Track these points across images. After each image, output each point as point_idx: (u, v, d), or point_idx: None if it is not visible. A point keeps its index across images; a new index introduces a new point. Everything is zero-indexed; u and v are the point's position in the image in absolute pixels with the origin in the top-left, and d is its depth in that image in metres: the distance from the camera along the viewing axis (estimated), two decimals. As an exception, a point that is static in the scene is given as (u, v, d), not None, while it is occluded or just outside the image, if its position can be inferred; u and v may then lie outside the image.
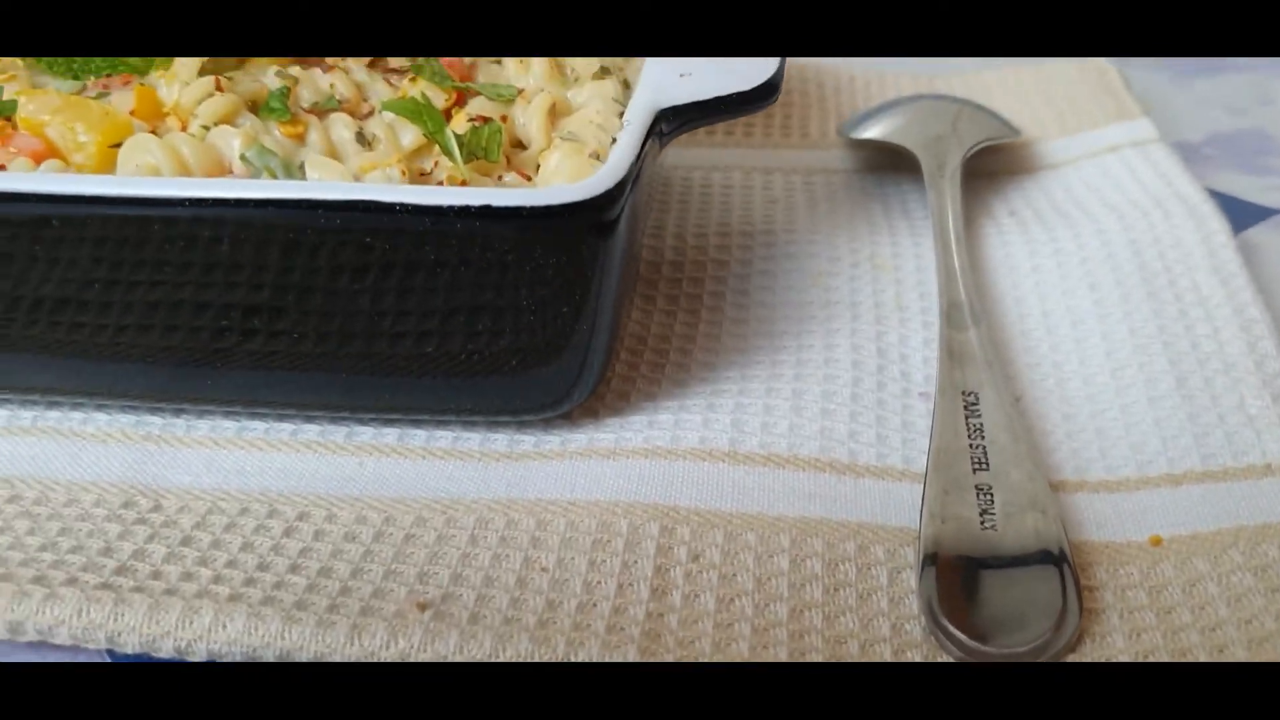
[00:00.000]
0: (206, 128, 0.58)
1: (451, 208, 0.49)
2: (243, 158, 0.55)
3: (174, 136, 0.56)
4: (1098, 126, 0.85)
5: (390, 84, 0.65)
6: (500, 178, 0.60)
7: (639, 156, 0.53)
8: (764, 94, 0.59)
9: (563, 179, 0.57)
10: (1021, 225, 0.74)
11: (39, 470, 0.56)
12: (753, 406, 0.59)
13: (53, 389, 0.59)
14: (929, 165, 0.75)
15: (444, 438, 0.58)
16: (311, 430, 0.59)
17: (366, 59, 0.67)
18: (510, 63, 0.67)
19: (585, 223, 0.50)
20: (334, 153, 0.60)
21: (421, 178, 0.58)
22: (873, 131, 0.81)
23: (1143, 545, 0.51)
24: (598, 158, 0.60)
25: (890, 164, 0.82)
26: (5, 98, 0.59)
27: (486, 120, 0.61)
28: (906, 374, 0.63)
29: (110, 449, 0.57)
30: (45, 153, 0.56)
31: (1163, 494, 0.54)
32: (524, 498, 0.54)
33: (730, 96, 0.59)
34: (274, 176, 0.54)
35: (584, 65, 0.67)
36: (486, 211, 0.49)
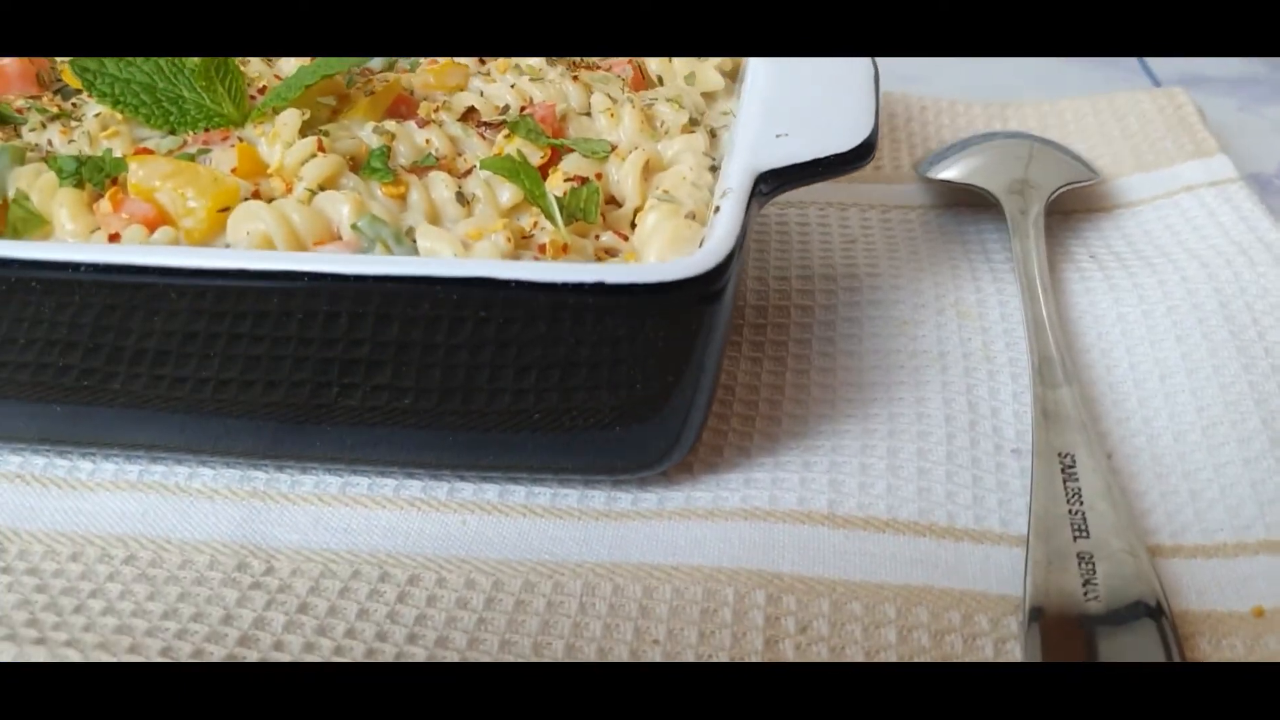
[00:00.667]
0: (312, 190, 0.59)
1: (565, 284, 0.50)
2: (354, 227, 0.56)
3: (283, 203, 0.56)
4: (1174, 163, 0.85)
5: (484, 138, 0.66)
6: (597, 236, 0.61)
7: (744, 228, 0.53)
8: (861, 154, 0.60)
9: (661, 241, 0.58)
10: (1103, 269, 0.74)
11: (150, 528, 0.57)
12: (848, 465, 0.60)
13: (158, 445, 0.60)
14: (1012, 212, 0.75)
15: (543, 494, 0.59)
16: (414, 486, 0.60)
17: (459, 113, 0.68)
18: (600, 114, 0.67)
19: (695, 295, 0.51)
20: (436, 213, 0.61)
21: (523, 240, 0.58)
22: (951, 172, 0.81)
23: (1245, 616, 0.52)
24: (694, 217, 0.60)
25: (967, 199, 0.82)
26: (114, 156, 0.61)
27: (583, 180, 0.62)
28: (998, 429, 0.63)
29: (218, 506, 0.58)
30: (156, 218, 0.57)
31: (1263, 562, 0.54)
32: (627, 561, 0.55)
33: (828, 158, 0.59)
34: (386, 246, 0.55)
35: (673, 117, 0.68)
36: (600, 288, 0.50)
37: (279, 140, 0.61)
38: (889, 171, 0.88)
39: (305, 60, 0.71)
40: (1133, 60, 1.13)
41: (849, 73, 0.68)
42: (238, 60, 0.68)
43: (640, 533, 0.57)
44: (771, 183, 0.58)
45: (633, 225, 0.63)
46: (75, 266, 0.51)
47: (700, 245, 0.57)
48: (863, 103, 0.63)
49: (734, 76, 0.78)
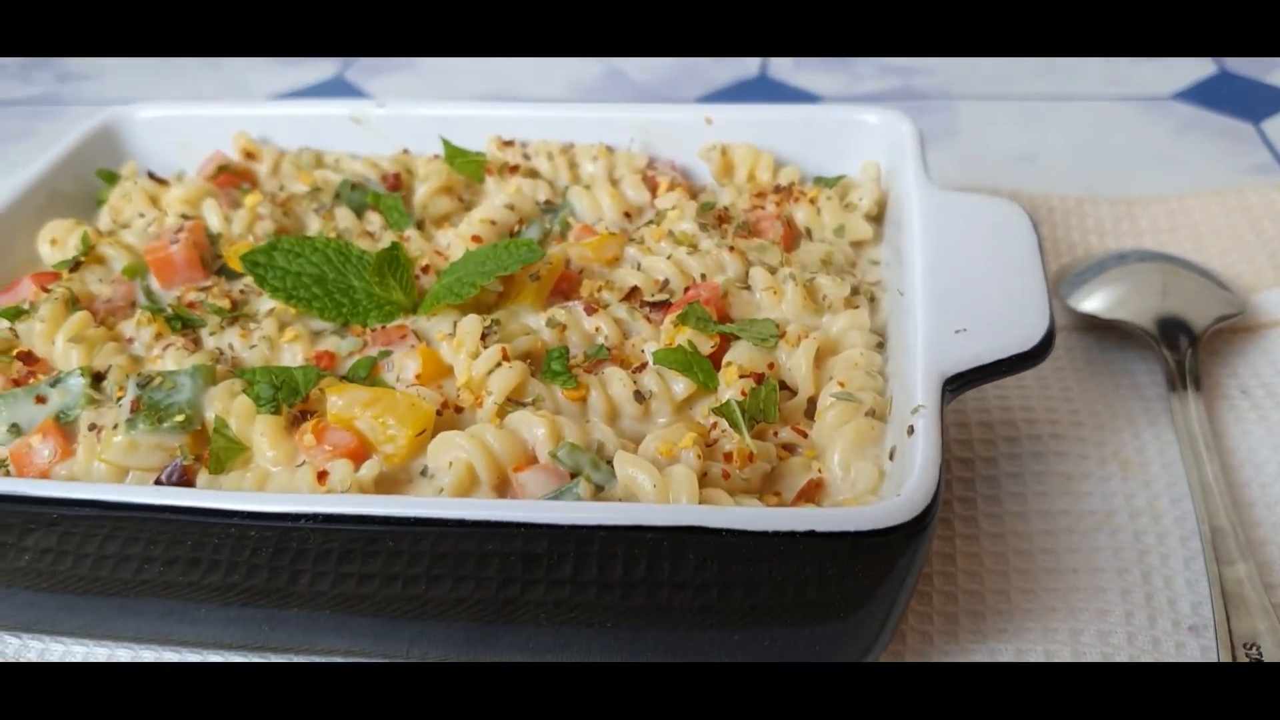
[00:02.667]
0: (501, 404, 0.60)
1: (777, 533, 0.51)
2: (552, 454, 0.57)
3: (480, 431, 0.58)
4: (1317, 273, 0.84)
5: (649, 320, 0.67)
6: (776, 433, 0.62)
7: (944, 455, 0.54)
8: (1041, 350, 0.60)
9: (845, 444, 0.59)
10: (1257, 409, 0.74)
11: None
12: (1033, 652, 0.61)
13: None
14: (1166, 359, 0.75)
15: (733, 689, 0.60)
16: (607, 687, 0.61)
17: (623, 293, 0.69)
18: (762, 290, 0.68)
19: (905, 535, 0.51)
20: (615, 409, 0.62)
21: (709, 448, 0.59)
22: (1095, 303, 0.81)
23: None
24: (873, 413, 0.61)
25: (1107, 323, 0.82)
26: (304, 367, 0.62)
27: (758, 378, 0.63)
28: (1173, 602, 0.63)
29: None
30: (357, 447, 0.58)
31: None
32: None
33: (1011, 358, 0.59)
34: (585, 476, 0.56)
35: (834, 291, 0.68)
36: (811, 536, 0.50)
37: (463, 350, 0.62)
38: (1022, 284, 0.88)
39: (467, 237, 0.72)
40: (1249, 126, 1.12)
41: (1007, 217, 0.69)
42: (402, 245, 0.69)
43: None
44: (956, 385, 0.59)
45: (806, 413, 0.64)
46: (305, 517, 0.52)
47: (889, 454, 0.58)
48: (1035, 283, 0.63)
49: (879, 219, 0.78)
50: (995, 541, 0.68)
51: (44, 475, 0.61)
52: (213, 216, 0.77)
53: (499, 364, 0.61)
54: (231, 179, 0.83)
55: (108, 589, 0.59)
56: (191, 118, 0.88)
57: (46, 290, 0.69)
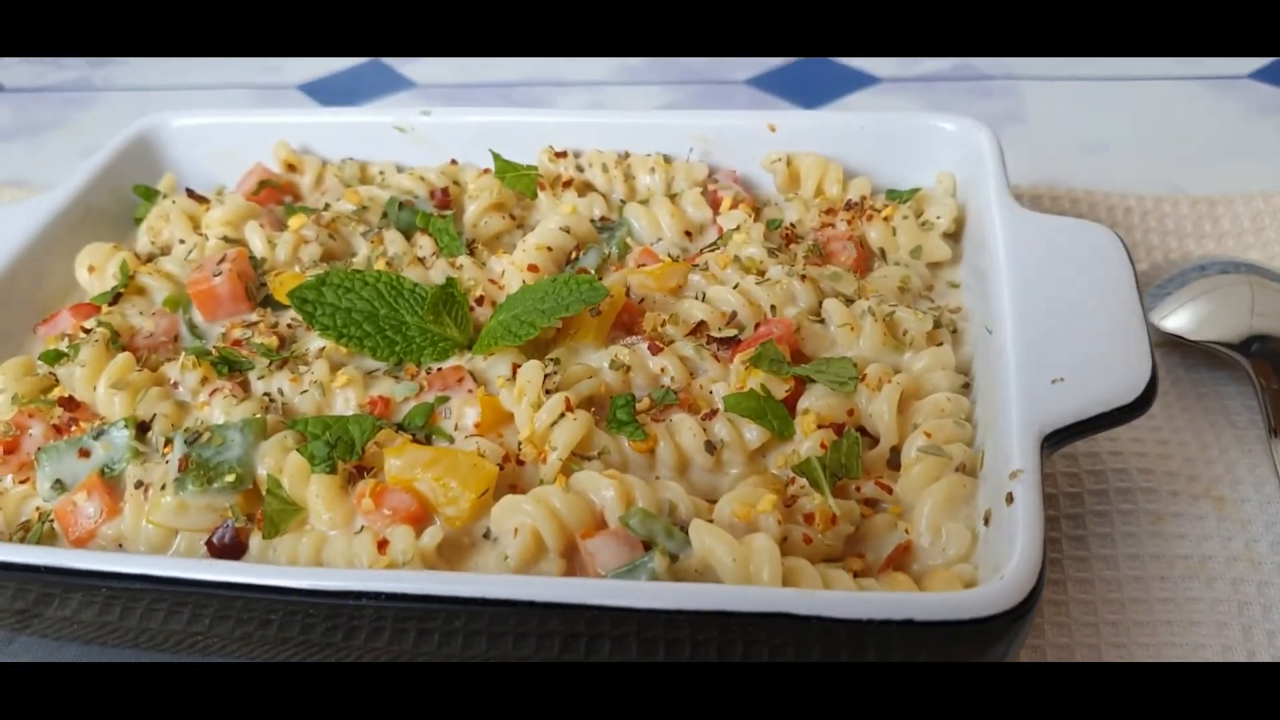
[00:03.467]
0: (566, 461, 0.57)
1: (872, 621, 0.47)
2: (623, 521, 0.54)
3: (545, 493, 0.55)
4: None
5: (717, 358, 0.63)
6: (858, 488, 0.58)
7: (1045, 532, 0.50)
8: (1144, 402, 0.56)
9: (934, 503, 0.56)
10: (1360, 437, 0.70)
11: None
12: (1129, 718, 0.58)
13: None
14: (1258, 384, 0.71)
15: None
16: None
17: (688, 327, 0.65)
18: (838, 326, 0.64)
19: (1007, 620, 0.48)
20: (684, 459, 0.59)
21: (787, 508, 0.56)
22: (1180, 321, 0.76)
23: None
24: (963, 468, 0.57)
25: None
26: (358, 418, 0.59)
27: (838, 429, 0.59)
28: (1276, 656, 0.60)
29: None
30: (417, 510, 0.55)
31: None
32: None
33: (1113, 411, 0.55)
34: (661, 549, 0.52)
35: (915, 325, 0.64)
36: (908, 625, 0.47)
37: (525, 399, 0.59)
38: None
39: (522, 266, 0.68)
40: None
41: (1100, 244, 0.65)
42: (457, 283, 0.66)
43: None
44: (1054, 441, 0.55)
45: (889, 463, 0.60)
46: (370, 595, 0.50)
47: (983, 517, 0.55)
48: (1134, 322, 0.60)
49: (956, 236, 0.74)
50: (1083, 589, 0.64)
51: (90, 535, 0.58)
52: (256, 240, 0.73)
53: (562, 414, 0.58)
54: (273, 194, 0.80)
55: (153, 645, 0.57)
56: (229, 125, 0.84)
57: (85, 330, 0.66)
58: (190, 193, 0.78)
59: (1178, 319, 0.77)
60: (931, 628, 0.47)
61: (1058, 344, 0.59)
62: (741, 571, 0.51)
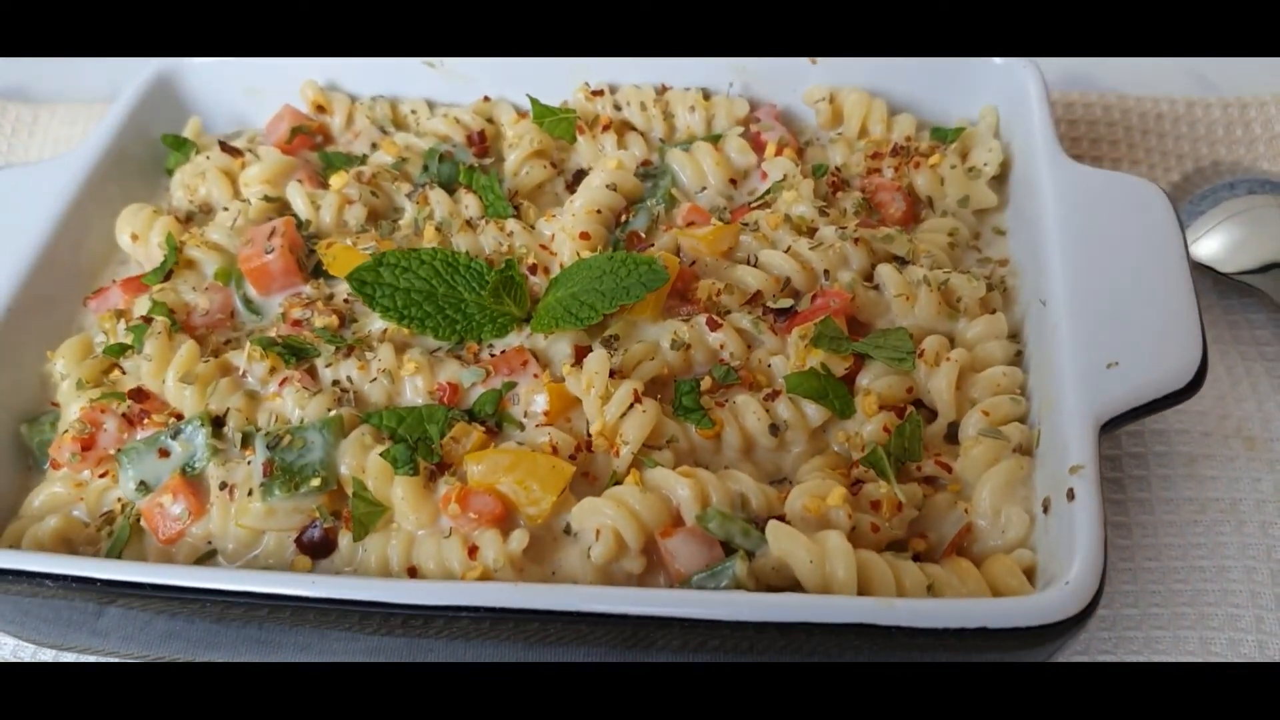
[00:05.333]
0: (637, 453, 0.59)
1: (948, 630, 0.51)
2: (700, 520, 0.56)
3: (623, 494, 0.57)
4: None
5: (774, 331, 0.64)
6: (919, 467, 0.60)
7: (1105, 531, 0.53)
8: (1194, 386, 0.58)
9: (994, 486, 0.58)
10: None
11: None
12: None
13: None
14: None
15: None
16: None
17: (744, 296, 0.66)
18: (894, 296, 0.65)
19: (1074, 622, 0.51)
20: (750, 441, 0.61)
21: (853, 494, 0.58)
22: (1209, 248, 0.77)
23: None
24: (1020, 448, 0.60)
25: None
26: (432, 408, 0.61)
27: (899, 412, 0.61)
28: (1305, 605, 0.64)
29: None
30: (501, 512, 0.57)
31: None
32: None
33: (1164, 397, 0.57)
34: (742, 553, 0.55)
35: (969, 291, 0.65)
36: (982, 632, 0.50)
37: (593, 389, 0.60)
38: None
39: (574, 234, 0.68)
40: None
41: (1150, 203, 0.65)
42: (517, 266, 0.66)
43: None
44: (1109, 427, 0.57)
45: (946, 437, 0.62)
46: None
47: (1042, 504, 0.57)
48: (1184, 296, 0.61)
49: (1001, 178, 0.74)
50: (1121, 533, 0.68)
51: (179, 535, 0.60)
52: (299, 202, 0.73)
53: (631, 406, 0.60)
54: (306, 140, 0.78)
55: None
56: (252, 63, 0.82)
57: (145, 320, 0.66)
58: (224, 145, 0.77)
59: (1207, 244, 0.78)
60: (1003, 633, 0.51)
61: (1111, 323, 0.60)
62: (819, 571, 0.54)
